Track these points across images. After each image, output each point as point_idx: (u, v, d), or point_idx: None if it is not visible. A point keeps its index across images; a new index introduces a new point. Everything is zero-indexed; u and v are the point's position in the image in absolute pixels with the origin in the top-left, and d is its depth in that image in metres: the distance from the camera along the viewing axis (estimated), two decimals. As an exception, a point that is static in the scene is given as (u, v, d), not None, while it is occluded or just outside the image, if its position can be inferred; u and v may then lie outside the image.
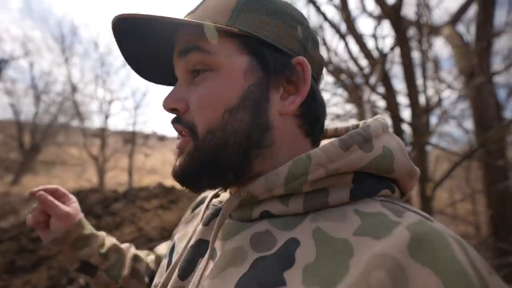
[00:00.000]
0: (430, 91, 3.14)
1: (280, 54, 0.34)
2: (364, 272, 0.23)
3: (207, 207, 0.40)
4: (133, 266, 0.55)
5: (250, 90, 0.33)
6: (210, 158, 0.33)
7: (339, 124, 0.43)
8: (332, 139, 0.32)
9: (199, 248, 0.35)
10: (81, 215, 0.52)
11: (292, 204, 0.31)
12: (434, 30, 3.16)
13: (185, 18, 0.34)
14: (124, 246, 0.57)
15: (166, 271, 0.39)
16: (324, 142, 0.42)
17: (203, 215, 0.40)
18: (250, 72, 0.33)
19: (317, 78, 0.38)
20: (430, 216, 0.29)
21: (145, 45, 0.37)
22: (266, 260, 0.28)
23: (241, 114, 0.32)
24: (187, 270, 0.34)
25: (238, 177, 0.34)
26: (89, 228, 0.52)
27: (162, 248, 0.61)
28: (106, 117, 9.87)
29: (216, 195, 0.43)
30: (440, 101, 3.01)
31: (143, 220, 4.40)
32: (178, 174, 0.34)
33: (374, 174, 0.31)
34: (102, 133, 9.43)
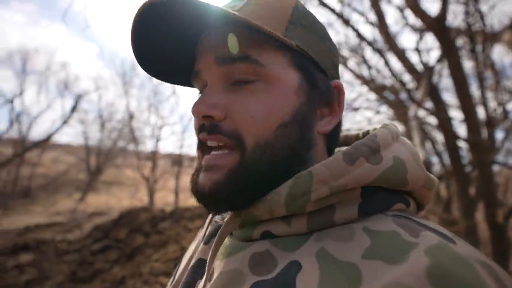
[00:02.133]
0: (492, 103, 2.79)
1: (323, 75, 0.34)
2: None
3: (209, 224, 0.39)
4: None
5: (301, 108, 0.32)
6: (258, 176, 0.30)
7: (350, 132, 0.41)
8: (336, 153, 0.30)
9: (199, 268, 0.33)
10: None
11: (294, 224, 0.28)
12: (491, 37, 2.87)
13: (234, 12, 0.28)
14: None
15: None
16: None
17: (205, 232, 0.38)
18: (301, 89, 0.32)
19: None
20: (453, 235, 0.25)
21: (167, 36, 0.34)
22: (264, 285, 0.26)
23: (292, 131, 0.31)
24: None
25: None
26: None
27: None
28: (157, 141, 10.81)
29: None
30: (506, 113, 2.65)
31: (187, 239, 4.56)
32: (210, 192, 0.30)
33: (385, 187, 0.29)
34: (153, 156, 10.29)
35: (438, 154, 3.66)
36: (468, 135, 2.06)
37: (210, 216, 0.40)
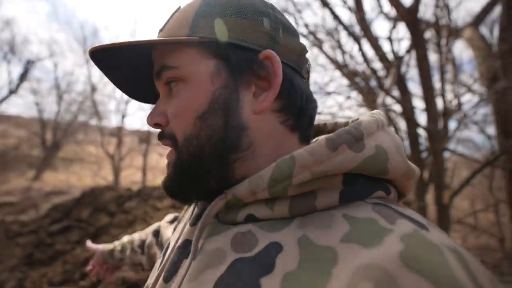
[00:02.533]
0: (449, 95, 3.02)
1: (246, 51, 0.33)
2: (350, 283, 0.22)
3: (196, 206, 0.40)
4: (132, 248, 0.74)
5: (218, 93, 0.32)
6: (191, 167, 0.33)
7: (339, 119, 0.41)
8: (319, 139, 0.30)
9: (185, 248, 0.34)
10: (112, 262, 0.78)
11: (277, 208, 0.29)
12: (455, 32, 3.03)
13: (157, 37, 0.36)
14: (122, 243, 0.76)
15: (157, 271, 0.39)
16: (320, 138, 0.41)
17: (192, 214, 0.39)
18: (216, 75, 0.33)
19: (298, 67, 0.36)
20: (428, 222, 0.27)
21: (131, 68, 0.39)
22: (244, 262, 0.27)
23: (213, 119, 0.32)
24: (172, 271, 0.33)
25: (222, 183, 0.32)
26: (118, 251, 0.76)
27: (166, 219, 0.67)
28: (123, 116, 10.19)
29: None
30: (460, 105, 2.89)
31: (155, 219, 4.48)
32: (166, 186, 0.35)
33: (366, 175, 0.29)
34: (118, 132, 9.74)
35: (399, 140, 3.91)
36: (427, 124, 2.22)
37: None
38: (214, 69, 0.33)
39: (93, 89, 10.16)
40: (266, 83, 0.33)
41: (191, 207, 0.41)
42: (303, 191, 0.29)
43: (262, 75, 0.33)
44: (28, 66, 9.58)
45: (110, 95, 11.09)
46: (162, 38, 0.33)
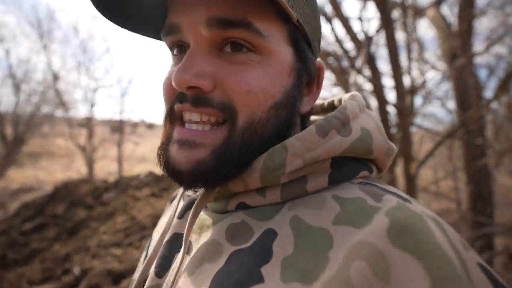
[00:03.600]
0: (415, 73, 3.18)
1: (311, 53, 0.32)
2: (344, 263, 0.22)
3: (181, 198, 0.38)
4: None
5: (292, 88, 0.31)
6: (242, 156, 0.28)
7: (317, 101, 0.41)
8: (309, 127, 0.30)
9: (175, 242, 0.33)
10: None
11: (269, 195, 0.29)
12: (419, 12, 3.16)
13: None
14: None
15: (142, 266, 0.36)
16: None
17: (177, 206, 0.37)
18: (293, 68, 0.31)
19: None
20: (409, 197, 0.28)
21: None
22: (242, 253, 0.27)
23: (282, 112, 0.30)
24: (163, 266, 0.32)
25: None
26: None
27: None
28: (92, 105, 9.58)
29: None
30: (424, 82, 3.07)
31: (136, 209, 4.42)
32: (193, 172, 0.28)
33: (352, 157, 0.30)
34: (88, 123, 9.19)
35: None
36: (396, 101, 2.35)
37: (180, 190, 0.39)
38: (293, 60, 0.30)
39: (55, 77, 9.37)
40: (308, 90, 0.34)
41: (176, 200, 0.39)
42: (295, 177, 0.29)
43: (311, 82, 0.34)
44: (-25, 53, 8.54)
45: (75, 84, 10.31)
46: None
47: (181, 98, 0.29)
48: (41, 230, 4.20)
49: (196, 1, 0.27)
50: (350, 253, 0.23)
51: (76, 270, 2.90)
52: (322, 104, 0.40)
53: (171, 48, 0.32)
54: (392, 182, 2.81)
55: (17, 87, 9.92)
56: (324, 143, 0.29)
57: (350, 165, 0.30)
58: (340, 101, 0.37)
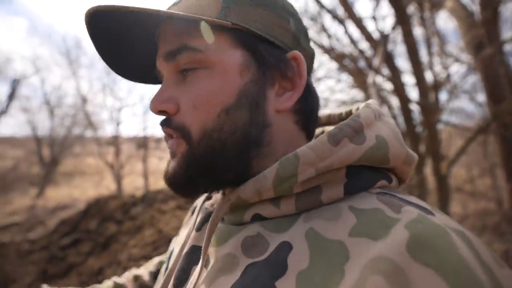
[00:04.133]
0: (438, 67, 3.05)
1: (275, 48, 0.32)
2: (360, 278, 0.22)
3: (200, 211, 0.39)
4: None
5: (247, 88, 0.31)
6: (208, 162, 0.31)
7: (333, 111, 0.41)
8: (321, 135, 0.30)
9: (193, 255, 0.34)
10: None
11: (283, 205, 0.29)
12: (436, 4, 3.04)
13: (170, 11, 0.30)
14: (124, 279, 0.58)
15: (163, 277, 0.37)
16: (317, 130, 0.41)
17: (196, 219, 0.38)
18: (246, 68, 0.31)
19: (309, 71, 0.37)
20: (432, 208, 0.27)
21: (122, 38, 0.35)
22: (257, 266, 0.27)
23: (238, 114, 0.31)
24: (181, 279, 0.32)
25: (238, 177, 0.32)
26: None
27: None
28: (118, 124, 10.11)
29: (208, 197, 0.41)
30: (448, 76, 2.92)
31: (162, 222, 4.54)
32: (171, 180, 0.32)
33: (368, 166, 0.30)
34: (115, 141, 9.69)
35: (394, 117, 3.97)
36: (419, 98, 2.26)
37: (198, 202, 0.41)
38: (243, 61, 0.31)
39: (84, 100, 10.05)
40: (289, 84, 0.33)
41: (195, 212, 0.39)
42: (308, 187, 0.29)
43: (287, 75, 0.33)
44: (15, 84, 9.43)
45: (102, 105, 10.97)
46: (189, 14, 0.29)
47: (160, 122, 0.34)
48: (77, 245, 4.44)
49: (159, 46, 0.33)
50: (367, 268, 0.22)
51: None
52: (340, 114, 0.39)
53: None
54: (421, 183, 2.66)
55: (51, 112, 10.76)
56: (337, 151, 0.28)
57: (366, 175, 0.30)
58: (357, 109, 0.36)
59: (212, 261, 0.31)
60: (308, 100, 0.35)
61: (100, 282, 0.57)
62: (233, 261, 0.29)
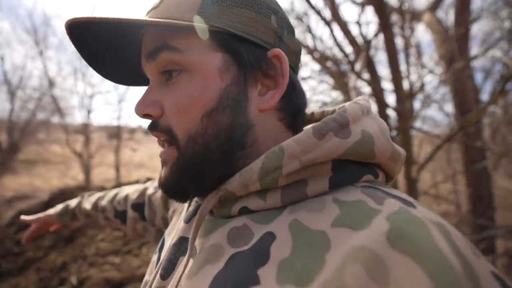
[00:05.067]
0: (413, 77, 3.21)
1: (255, 47, 0.32)
2: (339, 267, 0.22)
3: (190, 203, 0.39)
4: (104, 216, 0.72)
5: (228, 90, 0.31)
6: (195, 166, 0.31)
7: (326, 108, 0.41)
8: (306, 129, 0.30)
9: (180, 246, 0.34)
10: (55, 215, 0.75)
11: (269, 198, 0.30)
12: (416, 16, 3.21)
13: (148, 15, 0.32)
14: (92, 204, 0.74)
15: (154, 269, 0.38)
16: (308, 127, 0.41)
17: (187, 211, 0.39)
18: (226, 70, 0.31)
19: (295, 67, 0.37)
20: (414, 201, 0.28)
21: (107, 45, 0.35)
22: (242, 256, 0.27)
23: (220, 116, 0.31)
24: (168, 269, 0.33)
25: (224, 180, 0.32)
26: (66, 212, 0.75)
27: (150, 191, 0.65)
28: (88, 112, 9.53)
29: None
30: (423, 86, 3.09)
31: (134, 216, 4.36)
32: (165, 187, 0.33)
33: (354, 160, 0.30)
34: (85, 129, 9.13)
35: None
36: (396, 105, 2.36)
37: None
38: (222, 63, 0.31)
39: (51, 83, 9.32)
40: (272, 82, 0.33)
41: (186, 204, 0.41)
42: (294, 180, 0.29)
43: (269, 74, 0.33)
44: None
45: (72, 90, 10.28)
46: (166, 20, 0.30)
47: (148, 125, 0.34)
48: (36, 239, 4.12)
49: (142, 48, 0.34)
50: (346, 257, 0.22)
51: (73, 280, 2.83)
52: (334, 111, 0.39)
53: None
54: (394, 185, 2.80)
55: (12, 94, 9.84)
56: (321, 145, 0.28)
57: (352, 169, 0.30)
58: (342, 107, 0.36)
59: (198, 252, 0.31)
60: (293, 98, 0.35)
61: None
62: (219, 251, 0.29)
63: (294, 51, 0.36)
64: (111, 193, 0.72)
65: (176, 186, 0.33)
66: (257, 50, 0.32)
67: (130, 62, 0.38)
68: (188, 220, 0.36)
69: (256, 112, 0.33)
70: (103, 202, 0.71)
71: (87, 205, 0.74)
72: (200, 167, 0.31)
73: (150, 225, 0.63)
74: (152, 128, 0.33)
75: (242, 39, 0.32)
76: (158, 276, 0.33)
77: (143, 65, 0.34)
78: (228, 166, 0.32)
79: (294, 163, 0.28)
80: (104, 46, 0.35)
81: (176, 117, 0.31)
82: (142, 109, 0.32)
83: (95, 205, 0.73)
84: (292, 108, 0.35)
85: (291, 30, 0.36)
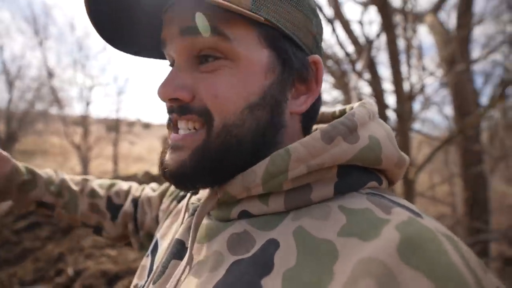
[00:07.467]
0: (414, 78, 3.22)
1: (298, 50, 0.32)
2: (349, 280, 0.21)
3: (187, 203, 0.38)
4: (91, 202, 0.55)
5: (271, 89, 0.30)
6: (220, 158, 0.29)
7: (326, 109, 0.41)
8: (314, 132, 0.29)
9: (176, 249, 0.33)
10: (13, 162, 0.50)
11: (272, 203, 0.29)
12: (418, 18, 3.20)
13: None
14: (76, 182, 0.56)
15: (147, 273, 0.37)
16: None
17: (184, 215, 0.37)
18: (271, 69, 0.30)
19: None
20: (420, 210, 0.27)
21: (119, 8, 0.33)
22: (243, 264, 0.26)
23: (261, 112, 0.30)
24: (159, 273, 0.32)
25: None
26: (29, 172, 0.51)
27: (148, 191, 0.56)
28: (87, 104, 9.50)
29: (195, 192, 0.40)
30: (423, 88, 3.10)
31: (131, 209, 4.36)
32: (173, 172, 0.30)
33: (359, 166, 0.29)
34: (84, 121, 9.11)
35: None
36: (396, 106, 2.37)
37: (186, 198, 0.39)
38: (269, 62, 0.30)
39: (50, 74, 9.27)
40: (305, 87, 0.33)
41: (182, 204, 0.39)
42: (298, 185, 0.28)
43: (305, 79, 0.32)
44: (-32, 48, 8.42)
45: (71, 81, 10.22)
46: (226, 3, 0.26)
47: (171, 109, 0.32)
48: (34, 229, 4.13)
49: (171, 17, 0.31)
50: (357, 269, 0.22)
51: (70, 271, 2.85)
52: (334, 112, 0.39)
53: (170, 64, 0.35)
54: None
55: (10, 84, 9.78)
56: (329, 149, 0.28)
57: (357, 175, 0.29)
58: (352, 109, 0.36)
59: (196, 257, 0.30)
60: (317, 105, 0.35)
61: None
62: (218, 259, 0.28)
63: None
64: (101, 181, 0.59)
65: (190, 172, 0.30)
66: (300, 53, 0.32)
67: (140, 32, 0.35)
68: (185, 223, 0.35)
69: (288, 115, 0.32)
70: (94, 185, 0.56)
71: (69, 181, 0.54)
72: (225, 158, 0.30)
73: (139, 226, 0.56)
74: (184, 111, 0.30)
75: (289, 39, 0.31)
76: (149, 280, 0.32)
77: (171, 39, 0.31)
78: (251, 164, 0.30)
79: (301, 167, 0.27)
80: (115, 9, 0.32)
81: (215, 102, 0.29)
82: (171, 93, 0.30)
83: (81, 186, 0.55)
84: (313, 113, 0.35)
85: (322, 37, 0.36)
